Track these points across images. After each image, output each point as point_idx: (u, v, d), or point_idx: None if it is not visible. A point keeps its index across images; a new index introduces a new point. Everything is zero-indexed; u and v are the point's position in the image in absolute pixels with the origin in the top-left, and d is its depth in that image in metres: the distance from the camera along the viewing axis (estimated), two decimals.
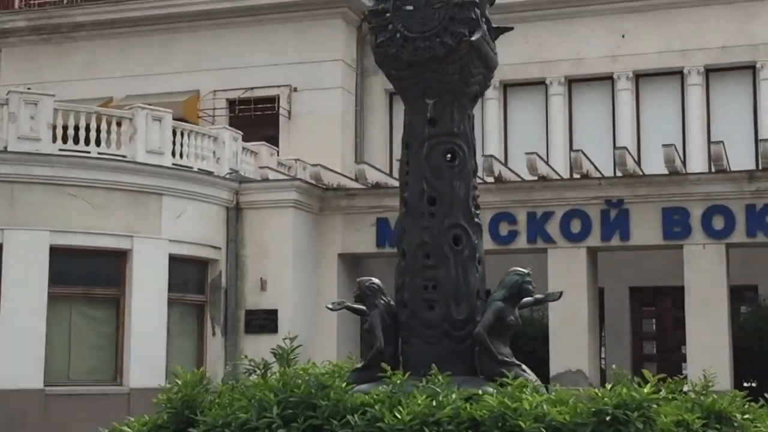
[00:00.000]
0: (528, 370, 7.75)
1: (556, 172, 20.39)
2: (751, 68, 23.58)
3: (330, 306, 8.47)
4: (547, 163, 20.11)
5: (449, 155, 7.94)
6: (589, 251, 19.22)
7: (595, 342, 19.52)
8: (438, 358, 7.60)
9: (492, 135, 24.92)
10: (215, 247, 19.56)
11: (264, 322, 19.40)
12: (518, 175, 20.35)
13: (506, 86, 25.12)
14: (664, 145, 18.76)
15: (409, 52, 7.85)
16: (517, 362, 7.71)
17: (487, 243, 19.36)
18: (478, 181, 20.00)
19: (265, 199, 19.73)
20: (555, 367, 19.02)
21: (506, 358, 7.68)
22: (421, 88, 7.96)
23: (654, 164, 20.73)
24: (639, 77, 24.27)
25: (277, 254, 19.61)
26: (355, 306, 8.44)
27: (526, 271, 7.83)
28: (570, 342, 18.93)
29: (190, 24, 25.66)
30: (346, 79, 25.00)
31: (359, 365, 8.06)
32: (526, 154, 20.38)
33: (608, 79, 24.48)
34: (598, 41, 24.22)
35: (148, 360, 18.00)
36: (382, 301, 8.13)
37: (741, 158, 21.37)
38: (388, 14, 7.95)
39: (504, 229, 19.61)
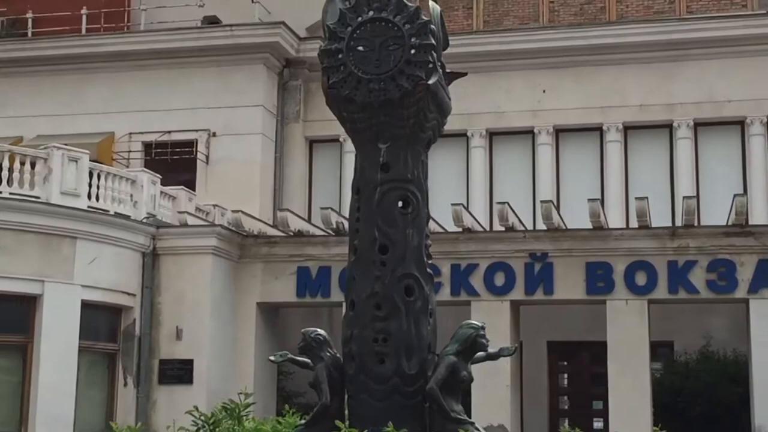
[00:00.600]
0: (480, 429, 7.44)
1: (480, 225, 20.26)
2: (668, 127, 23.89)
3: (272, 358, 8.05)
4: (471, 214, 19.97)
5: (402, 202, 7.63)
6: (513, 305, 19.05)
7: (516, 396, 19.30)
8: (387, 414, 7.25)
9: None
10: (130, 294, 18.89)
11: (179, 372, 18.75)
12: (441, 227, 20.16)
13: None
14: (590, 200, 18.81)
15: (362, 94, 7.56)
16: (470, 420, 7.39)
17: None
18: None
19: (183, 245, 19.18)
20: (477, 421, 18.63)
21: (459, 416, 7.36)
22: (375, 132, 7.66)
23: (574, 219, 20.72)
24: (559, 132, 24.40)
25: (194, 302, 19.03)
26: (299, 358, 8.05)
27: (480, 324, 7.55)
28: (492, 396, 18.69)
29: (107, 64, 25.05)
30: (266, 125, 24.64)
31: (303, 421, 7.65)
32: (452, 205, 20.27)
33: (529, 133, 24.56)
34: (519, 95, 24.32)
35: (56, 412, 17.20)
36: (328, 354, 7.75)
37: (659, 215, 21.53)
38: (341, 54, 7.67)
39: None
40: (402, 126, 7.62)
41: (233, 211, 19.87)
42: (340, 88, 7.63)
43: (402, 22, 7.53)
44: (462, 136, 24.84)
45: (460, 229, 19.36)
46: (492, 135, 24.83)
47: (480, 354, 7.56)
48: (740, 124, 23.57)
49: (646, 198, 18.55)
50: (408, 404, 7.41)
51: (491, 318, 18.88)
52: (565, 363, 23.90)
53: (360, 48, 7.59)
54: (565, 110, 24.11)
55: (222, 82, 24.54)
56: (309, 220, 23.07)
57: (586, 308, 21.16)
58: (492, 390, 18.74)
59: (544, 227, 19.21)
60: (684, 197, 19.79)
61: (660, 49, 23.70)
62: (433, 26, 7.58)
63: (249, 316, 19.89)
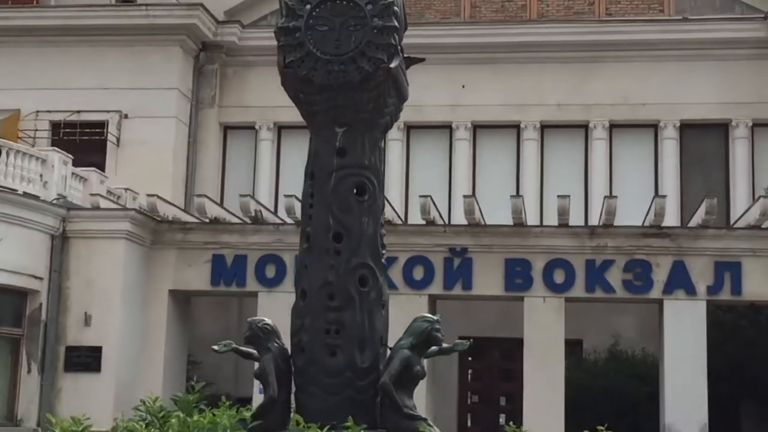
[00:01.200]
0: (433, 426, 7.23)
1: (399, 217, 20.07)
2: (584, 127, 24.05)
3: (216, 347, 7.70)
4: (392, 207, 19.76)
5: (358, 189, 7.37)
6: (431, 299, 18.91)
7: (429, 391, 19.16)
8: (338, 409, 7.02)
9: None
10: (37, 277, 18.18)
11: (86, 360, 18.13)
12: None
13: None
14: (512, 197, 18.77)
15: (321, 76, 7.30)
16: (423, 416, 7.17)
17: None
18: None
19: (95, 228, 18.54)
20: None
21: (412, 412, 7.14)
22: (332, 116, 7.40)
23: (490, 215, 20.59)
24: (477, 128, 24.38)
25: (104, 288, 18.41)
26: (243, 348, 7.73)
27: (435, 317, 7.33)
28: None
29: (14, 39, 24.11)
30: (180, 109, 24.03)
31: (248, 413, 7.32)
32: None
33: (447, 128, 24.48)
34: (438, 90, 24.17)
35: None
36: (276, 344, 7.46)
37: (573, 214, 21.63)
38: (299, 33, 7.39)
39: None
40: (360, 110, 7.39)
41: (148, 195, 19.28)
42: (297, 68, 7.35)
43: (364, 2, 7.31)
44: None
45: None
46: (409, 128, 24.65)
47: (433, 348, 7.34)
48: (654, 127, 23.85)
49: (568, 196, 18.58)
50: (360, 399, 7.19)
51: (409, 312, 18.73)
52: (471, 359, 23.90)
53: (319, 27, 7.32)
54: (483, 106, 24.09)
55: (136, 63, 23.84)
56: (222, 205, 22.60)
57: (496, 304, 21.21)
58: None
59: (463, 222, 19.09)
60: (605, 197, 19.88)
61: (578, 50, 23.85)
62: (396, 8, 7.34)
63: (161, 303, 19.33)
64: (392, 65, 7.29)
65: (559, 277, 18.55)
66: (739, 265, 18.04)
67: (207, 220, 19.31)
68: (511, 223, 18.81)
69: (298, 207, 19.87)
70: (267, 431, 7.21)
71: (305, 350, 7.23)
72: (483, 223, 19.26)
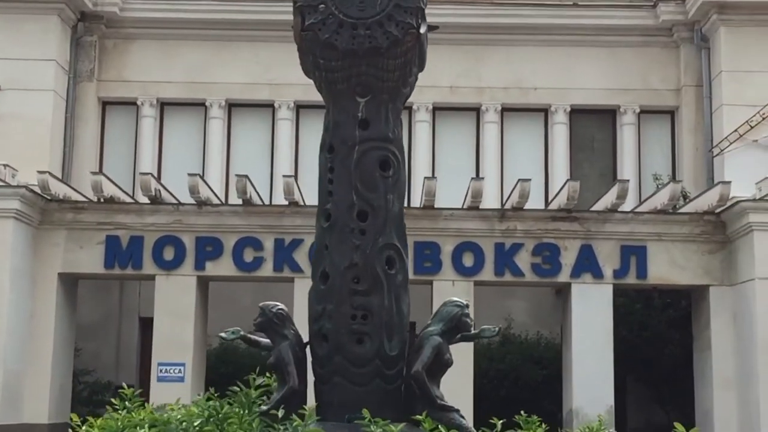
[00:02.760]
0: (464, 417, 6.79)
1: (303, 199, 19.46)
2: (476, 110, 23.94)
3: (224, 335, 7.05)
4: (299, 188, 19.13)
5: (382, 164, 6.84)
6: None
7: None
8: (366, 400, 6.47)
9: (215, 153, 23.59)
10: None
11: None
12: (261, 198, 19.24)
13: (231, 105, 23.92)
14: (426, 178, 18.38)
15: (345, 40, 6.73)
16: (455, 407, 6.71)
17: (230, 269, 18.26)
18: (223, 203, 18.75)
19: None
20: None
21: (444, 402, 6.67)
22: (353, 84, 6.85)
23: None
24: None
25: None
26: (252, 336, 7.12)
27: (465, 302, 6.87)
28: None
29: None
30: (58, 82, 22.68)
31: (261, 409, 6.69)
32: (284, 176, 19.47)
33: None
34: None
35: None
36: (292, 331, 6.87)
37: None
38: None
39: (249, 255, 18.40)
40: (385, 79, 6.86)
41: (39, 172, 18.06)
42: (318, 31, 6.74)
43: None
44: (269, 106, 23.92)
45: (287, 203, 18.51)
46: (299, 108, 23.99)
47: (464, 335, 6.90)
48: (545, 111, 23.94)
49: (483, 178, 18.39)
50: (388, 389, 6.69)
51: None
52: None
53: None
54: None
55: (10, 32, 22.32)
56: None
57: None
58: None
59: None
60: (519, 180, 19.62)
61: (471, 32, 23.66)
62: None
63: (49, 288, 18.18)
64: (422, 30, 6.76)
65: (468, 260, 18.35)
66: (645, 249, 18.22)
67: (102, 199, 18.23)
68: (420, 206, 18.48)
69: (185, 186, 19.09)
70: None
71: (328, 338, 6.67)
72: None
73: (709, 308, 18.02)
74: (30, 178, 19.39)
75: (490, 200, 22.07)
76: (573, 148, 23.97)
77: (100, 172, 22.93)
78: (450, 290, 18.14)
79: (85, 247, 18.28)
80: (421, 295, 18.78)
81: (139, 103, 23.71)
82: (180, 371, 17.94)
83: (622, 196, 17.58)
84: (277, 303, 6.97)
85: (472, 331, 6.96)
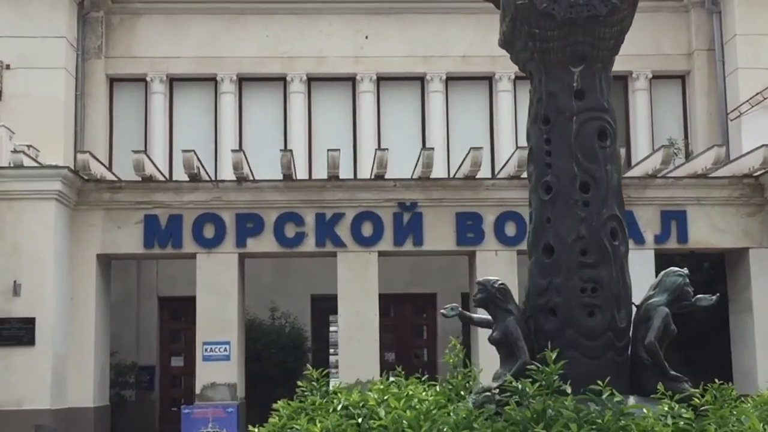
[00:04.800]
0: (693, 386, 6.77)
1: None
2: (488, 79, 23.90)
3: (444, 311, 6.96)
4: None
5: (600, 134, 6.78)
6: (381, 255, 18.33)
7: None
8: (599, 373, 6.40)
9: (228, 129, 23.29)
10: None
11: (18, 332, 16.53)
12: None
13: (242, 80, 23.60)
14: (472, 149, 18.28)
15: (563, 9, 6.64)
16: (684, 377, 6.70)
17: (272, 245, 18.09)
18: (267, 178, 18.56)
19: (21, 189, 16.84)
20: (345, 377, 17.89)
21: (677, 373, 6.66)
22: (568, 53, 6.75)
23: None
24: (381, 80, 23.77)
25: (33, 254, 16.80)
26: (467, 313, 7.04)
27: (685, 271, 6.85)
28: (361, 351, 17.93)
29: None
30: (68, 59, 22.20)
31: (494, 383, 6.61)
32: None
33: (350, 79, 23.76)
34: (341, 40, 23.45)
35: None
36: (515, 306, 6.80)
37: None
38: None
39: (290, 230, 18.22)
40: (600, 47, 6.78)
41: (80, 152, 17.71)
42: (536, 1, 6.62)
43: None
44: (280, 80, 23.65)
45: (327, 177, 18.34)
46: (311, 80, 23.75)
47: (684, 303, 6.87)
48: None
49: (526, 148, 18.27)
50: (618, 361, 6.64)
51: (357, 270, 18.21)
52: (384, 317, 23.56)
53: None
54: (387, 58, 23.51)
55: (17, 9, 21.83)
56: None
57: (408, 260, 20.88)
58: (361, 344, 18.05)
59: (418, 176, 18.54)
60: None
61: (483, 0, 23.51)
62: None
63: (88, 269, 17.86)
64: None
65: (510, 229, 18.35)
66: (685, 213, 18.38)
67: (141, 179, 17.90)
68: (461, 176, 18.43)
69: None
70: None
71: (557, 312, 6.60)
72: (435, 177, 18.72)
73: (749, 270, 18.24)
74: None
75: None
76: None
77: (110, 149, 22.65)
78: (494, 260, 18.17)
79: (123, 228, 17.97)
80: (424, 268, 18.80)
81: (148, 79, 23.32)
82: (225, 350, 17.78)
83: (666, 162, 17.70)
84: (497, 278, 6.89)
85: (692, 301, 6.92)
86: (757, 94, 20.96)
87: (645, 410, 5.36)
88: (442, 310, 7.03)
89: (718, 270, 19.84)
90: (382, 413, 5.58)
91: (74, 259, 17.69)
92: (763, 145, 17.79)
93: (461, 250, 18.44)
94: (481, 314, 7.25)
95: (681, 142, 23.03)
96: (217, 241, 18.06)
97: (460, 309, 6.98)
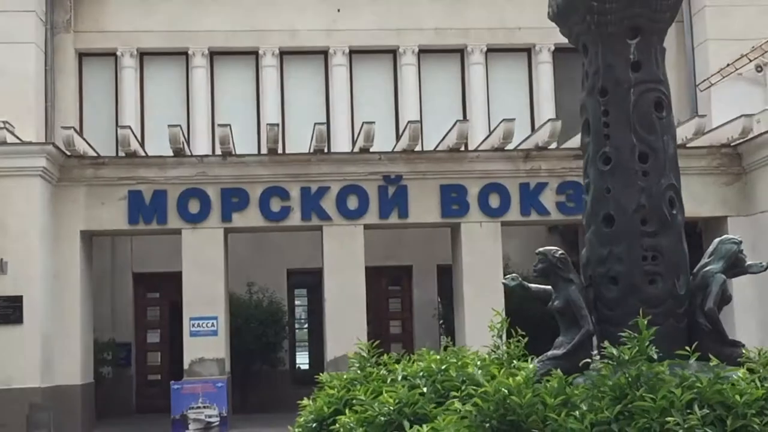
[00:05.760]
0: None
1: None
2: (461, 51, 23.98)
3: (505, 281, 7.05)
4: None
5: (656, 105, 6.89)
6: (367, 228, 18.40)
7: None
8: (661, 340, 6.52)
9: (199, 104, 23.11)
10: None
11: (6, 311, 16.37)
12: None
13: (214, 54, 23.42)
14: (459, 121, 18.38)
15: None
16: (741, 342, 6.87)
17: (257, 219, 18.06)
18: (249, 153, 18.53)
19: (6, 166, 16.62)
20: (332, 351, 18.01)
21: (734, 339, 6.83)
22: (625, 26, 6.83)
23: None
24: (353, 53, 23.74)
25: (19, 231, 16.62)
26: (525, 283, 7.13)
27: (739, 239, 7.02)
28: (348, 324, 18.01)
29: None
30: (39, 34, 21.84)
31: (558, 352, 6.72)
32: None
33: (323, 53, 23.70)
34: (313, 14, 23.36)
35: None
36: (576, 275, 6.91)
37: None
38: None
39: (276, 204, 18.21)
40: (657, 20, 6.87)
41: (63, 128, 17.48)
42: None
43: None
44: (252, 54, 23.52)
45: (313, 151, 18.34)
46: (283, 54, 23.65)
47: (737, 270, 7.04)
48: (528, 51, 24.14)
49: (514, 119, 18.48)
50: (678, 327, 6.78)
51: (344, 243, 18.26)
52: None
53: None
54: (360, 31, 23.47)
55: None
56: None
57: (385, 233, 20.98)
58: (349, 317, 18.11)
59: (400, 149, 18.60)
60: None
61: None
62: None
63: (72, 246, 17.72)
64: None
65: (494, 201, 18.51)
66: None
67: (124, 154, 17.76)
68: (444, 149, 18.54)
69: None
70: (575, 368, 6.67)
71: (618, 280, 6.73)
72: (417, 149, 18.82)
73: None
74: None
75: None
76: (557, 87, 24.24)
77: (80, 125, 22.36)
78: (478, 232, 18.33)
79: (107, 204, 17.85)
80: (400, 240, 18.93)
81: (118, 54, 23.05)
82: (213, 324, 17.77)
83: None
84: (557, 248, 6.99)
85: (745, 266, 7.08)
86: (729, 65, 21.29)
87: (740, 374, 5.49)
88: (503, 280, 7.10)
89: (692, 239, 20.16)
90: (480, 380, 5.64)
91: (58, 236, 17.53)
92: (742, 115, 18.12)
93: (446, 222, 18.57)
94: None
95: None
96: (203, 217, 18.01)
97: (520, 279, 7.06)
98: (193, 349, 17.82)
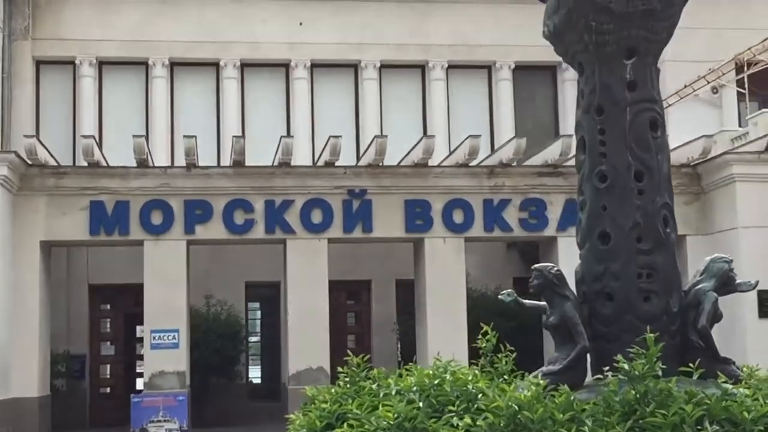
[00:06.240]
0: (739, 368, 7.05)
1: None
2: (422, 67, 24.09)
3: (502, 296, 7.09)
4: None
5: (651, 124, 6.98)
6: (331, 242, 18.37)
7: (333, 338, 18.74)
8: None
9: (159, 114, 22.96)
10: None
11: None
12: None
13: (174, 65, 23.28)
14: (426, 137, 18.45)
15: (620, 4, 6.80)
16: (731, 359, 6.97)
17: (220, 232, 17.96)
18: (214, 165, 18.42)
19: None
20: (294, 365, 17.93)
21: (725, 356, 6.92)
22: (622, 46, 6.93)
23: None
24: (315, 67, 23.74)
25: None
26: (521, 300, 7.16)
27: (730, 258, 7.12)
28: (311, 338, 17.95)
29: None
30: None
31: (554, 367, 6.76)
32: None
33: (284, 66, 23.67)
34: (275, 26, 23.34)
35: None
36: (572, 292, 6.97)
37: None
38: None
39: (240, 217, 18.11)
40: (653, 41, 6.99)
41: (26, 136, 17.21)
42: None
43: None
44: (213, 65, 23.43)
45: (276, 164, 18.28)
46: (244, 66, 23.58)
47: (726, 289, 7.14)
48: (489, 68, 24.31)
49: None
50: (671, 344, 6.84)
51: (308, 256, 18.21)
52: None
53: None
54: (322, 45, 23.49)
55: None
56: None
57: (344, 248, 20.95)
58: (311, 332, 18.03)
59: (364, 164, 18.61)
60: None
61: None
62: None
63: (31, 257, 17.46)
64: None
65: (458, 217, 18.58)
66: None
67: (86, 164, 17.55)
68: (409, 164, 18.58)
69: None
70: (571, 383, 6.72)
71: (614, 297, 6.79)
72: (381, 164, 18.82)
73: (687, 257, 18.79)
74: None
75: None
76: (517, 104, 24.44)
77: (37, 133, 22.12)
78: (441, 247, 18.39)
79: (68, 214, 17.62)
80: (359, 255, 18.94)
81: (77, 62, 22.84)
82: (174, 337, 17.59)
83: None
84: (553, 264, 7.04)
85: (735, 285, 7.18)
86: (686, 86, 21.61)
87: (744, 391, 5.57)
88: (500, 296, 7.14)
89: None
90: (489, 395, 5.64)
91: (17, 246, 17.27)
92: (702, 136, 18.39)
93: (410, 237, 18.61)
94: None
95: None
96: (165, 228, 17.86)
97: (515, 295, 7.10)
98: (153, 362, 17.63)
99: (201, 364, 20.66)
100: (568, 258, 18.50)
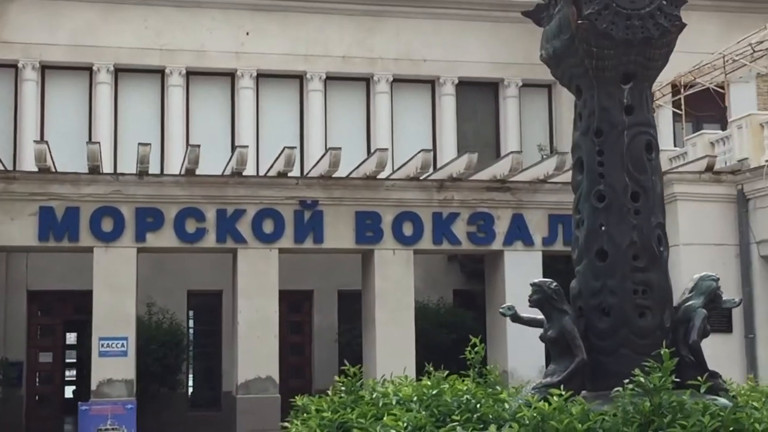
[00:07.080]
0: (725, 381, 7.37)
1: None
2: (367, 80, 24.31)
3: (501, 310, 7.31)
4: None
5: (647, 147, 7.29)
6: (282, 252, 18.45)
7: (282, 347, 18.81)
8: None
9: (103, 120, 22.79)
10: None
11: None
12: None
13: (119, 71, 23.15)
14: (379, 150, 18.65)
15: (620, 30, 7.10)
16: (718, 372, 7.29)
17: (171, 240, 17.93)
18: (163, 173, 18.35)
19: None
20: (243, 375, 17.97)
21: (714, 370, 7.23)
22: (621, 71, 7.23)
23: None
24: (261, 77, 23.81)
25: None
26: (519, 314, 7.40)
27: (717, 276, 7.45)
28: (260, 348, 18.00)
29: None
30: None
31: (553, 379, 7.01)
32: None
33: (230, 75, 23.69)
34: (222, 35, 23.38)
35: None
36: (569, 306, 7.22)
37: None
38: None
39: (191, 226, 18.09)
40: (650, 67, 7.30)
41: None
42: (595, 21, 7.07)
43: None
44: (158, 72, 23.35)
45: (230, 173, 18.31)
46: (190, 74, 23.55)
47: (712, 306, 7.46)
48: (433, 83, 24.63)
49: (431, 150, 18.82)
50: None
51: (259, 267, 18.27)
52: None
53: None
54: (268, 55, 23.58)
55: None
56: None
57: (287, 257, 21.01)
58: (260, 341, 18.08)
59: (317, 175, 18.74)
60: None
61: (364, 3, 23.97)
62: None
63: None
64: (684, 22, 7.27)
65: (408, 229, 18.81)
66: (571, 217, 19.24)
67: (39, 169, 17.38)
68: (361, 176, 18.77)
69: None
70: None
71: (611, 312, 7.07)
72: (335, 175, 18.96)
73: None
74: None
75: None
76: (459, 119, 24.79)
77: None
78: (391, 259, 18.60)
79: (16, 219, 17.41)
80: (301, 265, 19.07)
81: (20, 65, 22.62)
82: (123, 345, 17.50)
83: (560, 167, 18.52)
84: (551, 280, 7.27)
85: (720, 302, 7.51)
86: None
87: (755, 404, 5.86)
88: (500, 310, 7.37)
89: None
90: (513, 407, 5.84)
91: None
92: (663, 150, 18.83)
93: (360, 248, 18.78)
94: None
95: (547, 148, 24.11)
96: (116, 235, 17.77)
97: (515, 309, 7.33)
98: (101, 370, 17.50)
99: (143, 372, 20.51)
100: (513, 271, 19.00)
